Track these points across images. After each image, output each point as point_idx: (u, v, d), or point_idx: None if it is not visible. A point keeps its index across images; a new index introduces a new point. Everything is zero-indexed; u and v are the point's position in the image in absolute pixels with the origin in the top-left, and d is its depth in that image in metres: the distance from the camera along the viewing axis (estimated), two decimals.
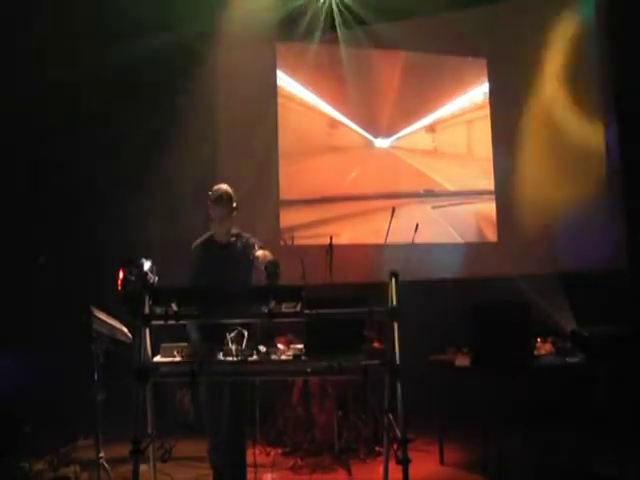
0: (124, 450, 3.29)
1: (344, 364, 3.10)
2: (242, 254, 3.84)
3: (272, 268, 3.37)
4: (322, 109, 6.89)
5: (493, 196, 6.61)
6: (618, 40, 6.08)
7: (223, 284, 3.71)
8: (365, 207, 6.69)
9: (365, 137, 6.86)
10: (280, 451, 5.04)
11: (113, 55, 6.24)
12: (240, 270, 3.80)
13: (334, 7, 6.56)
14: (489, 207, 6.63)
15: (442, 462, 4.72)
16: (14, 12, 5.82)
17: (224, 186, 3.88)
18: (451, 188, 6.72)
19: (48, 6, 5.89)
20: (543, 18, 6.42)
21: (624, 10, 5.97)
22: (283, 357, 3.24)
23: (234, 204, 3.86)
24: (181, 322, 3.31)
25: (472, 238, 6.64)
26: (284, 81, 6.97)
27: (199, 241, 3.97)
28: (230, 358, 3.17)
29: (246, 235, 3.94)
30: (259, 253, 3.70)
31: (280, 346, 3.34)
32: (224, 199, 3.82)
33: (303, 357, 3.18)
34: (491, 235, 6.60)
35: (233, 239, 3.91)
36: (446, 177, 6.73)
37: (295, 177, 6.89)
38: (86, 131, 6.31)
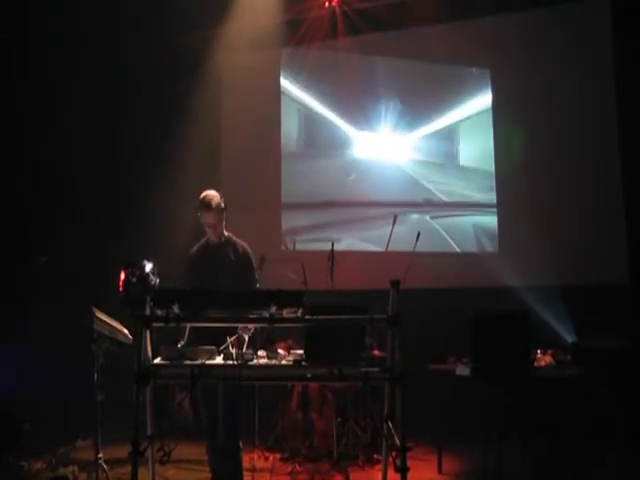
0: (123, 451, 3.30)
1: (344, 370, 3.10)
2: (234, 256, 3.92)
3: None
4: (325, 114, 6.92)
5: (494, 207, 6.59)
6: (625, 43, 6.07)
7: (217, 283, 3.80)
8: (366, 213, 6.70)
9: (367, 143, 6.88)
10: (279, 456, 5.03)
11: (113, 57, 6.31)
12: (233, 270, 3.88)
13: (339, 14, 6.60)
14: (489, 219, 6.60)
15: (440, 471, 4.71)
16: None
17: (211, 192, 3.94)
18: (451, 199, 6.69)
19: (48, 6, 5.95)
20: (548, 30, 6.42)
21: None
22: (283, 362, 3.24)
23: (222, 207, 3.92)
24: (182, 324, 3.33)
25: (471, 249, 6.62)
26: (288, 86, 7.00)
27: (195, 247, 4.07)
28: (230, 362, 3.17)
29: (238, 240, 4.01)
30: None
31: (280, 351, 3.34)
32: (213, 206, 3.88)
33: (303, 363, 3.18)
34: (489, 246, 6.58)
35: (224, 241, 3.98)
36: (446, 188, 6.72)
37: (297, 181, 6.92)
38: (87, 131, 6.34)
